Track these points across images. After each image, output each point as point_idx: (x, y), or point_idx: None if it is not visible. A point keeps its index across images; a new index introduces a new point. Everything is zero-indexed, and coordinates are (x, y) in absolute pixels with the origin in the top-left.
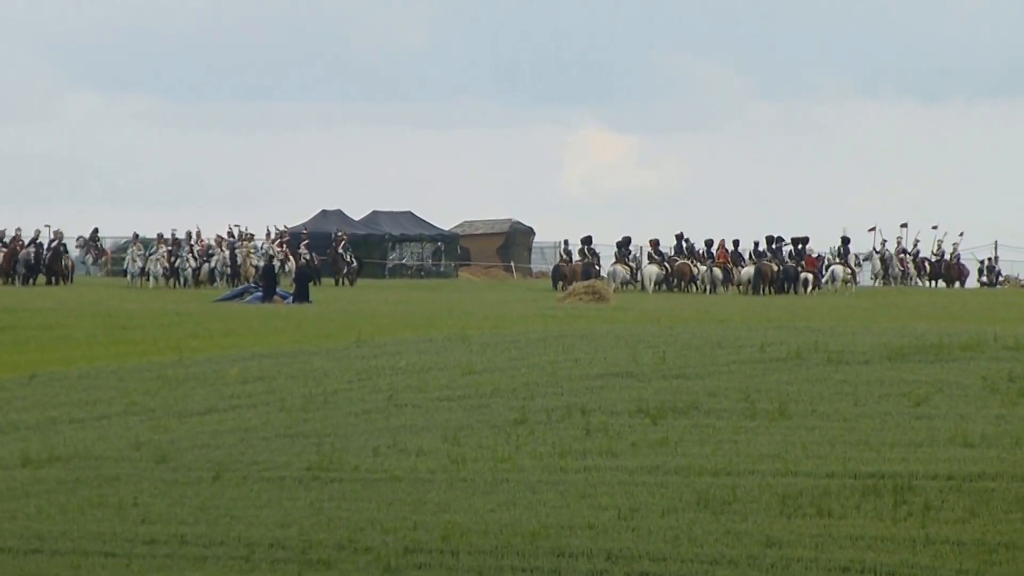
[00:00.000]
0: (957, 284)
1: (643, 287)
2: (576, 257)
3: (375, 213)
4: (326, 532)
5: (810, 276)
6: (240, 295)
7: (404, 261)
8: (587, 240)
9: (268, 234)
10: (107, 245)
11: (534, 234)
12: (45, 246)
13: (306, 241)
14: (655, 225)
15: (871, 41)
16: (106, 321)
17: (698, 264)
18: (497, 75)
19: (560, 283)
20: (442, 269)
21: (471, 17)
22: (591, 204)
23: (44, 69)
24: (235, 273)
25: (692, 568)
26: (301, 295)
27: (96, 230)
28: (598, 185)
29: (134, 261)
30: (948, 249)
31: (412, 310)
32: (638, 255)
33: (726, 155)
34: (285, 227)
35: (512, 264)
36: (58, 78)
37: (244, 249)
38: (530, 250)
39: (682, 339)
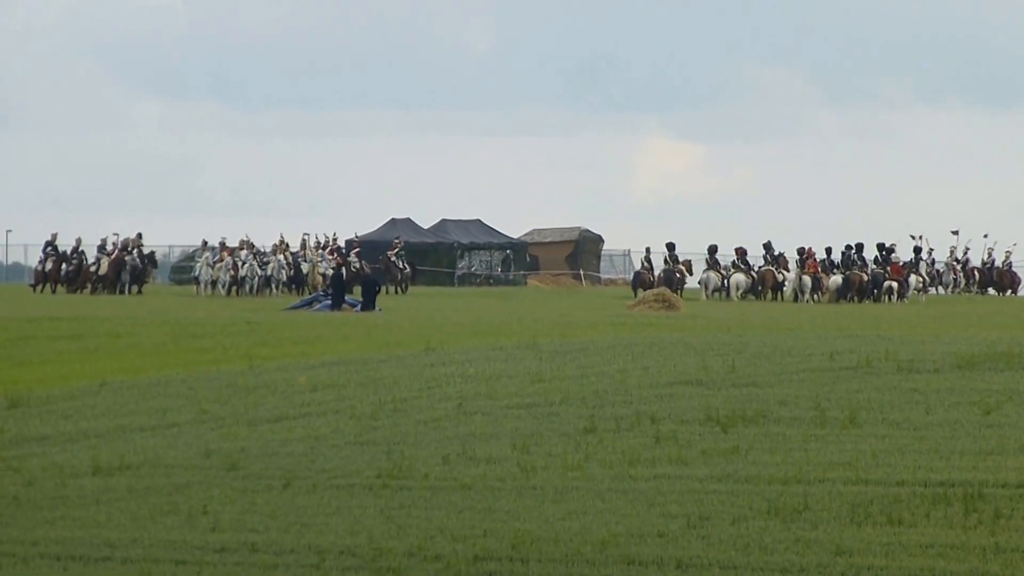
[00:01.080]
0: (1009, 292)
1: (728, 295)
2: (661, 264)
3: (444, 221)
4: (396, 540)
5: (895, 284)
6: (309, 304)
7: (473, 269)
8: (671, 247)
9: (304, 242)
10: (175, 255)
11: (603, 242)
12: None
13: (356, 249)
14: (722, 233)
15: (938, 48)
16: (175, 330)
17: (784, 272)
18: (564, 82)
19: (640, 290)
20: (511, 277)
21: (538, 24)
22: (658, 212)
23: (111, 77)
24: (298, 281)
25: None
26: (368, 303)
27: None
28: (665, 193)
29: (206, 268)
30: (1000, 257)
31: (481, 318)
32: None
33: (793, 163)
34: (334, 235)
35: (581, 272)
36: (125, 86)
37: (313, 258)
38: (599, 258)
39: (751, 347)
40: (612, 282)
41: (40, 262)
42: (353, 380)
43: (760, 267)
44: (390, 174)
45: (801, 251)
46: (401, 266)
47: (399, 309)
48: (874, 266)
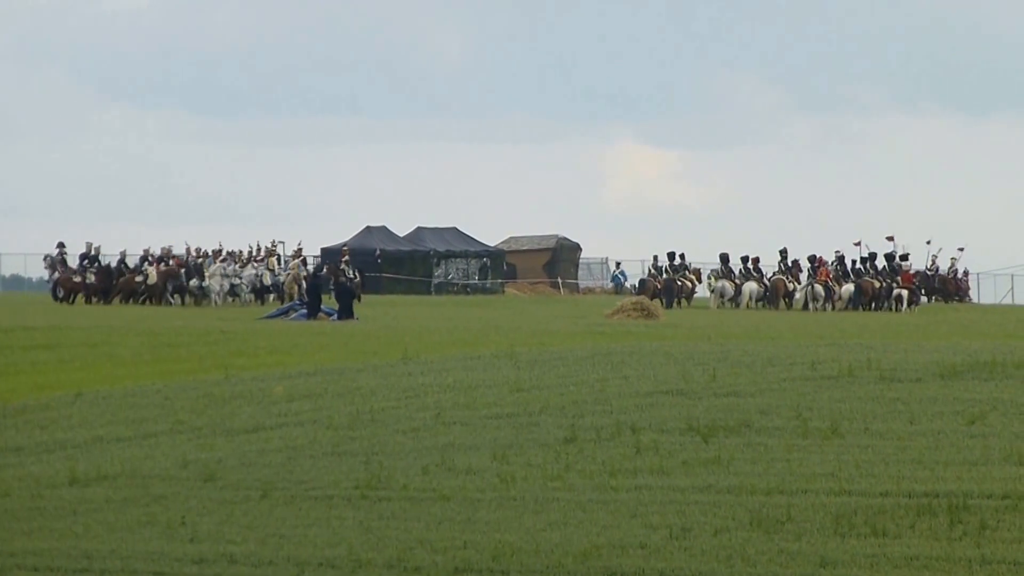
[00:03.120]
0: (955, 300)
1: (737, 303)
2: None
3: (420, 229)
4: (375, 551)
5: (905, 293)
6: (285, 313)
7: (450, 277)
8: (671, 256)
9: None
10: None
11: (581, 250)
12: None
13: (346, 257)
14: (699, 240)
15: (914, 54)
16: (151, 339)
17: (795, 281)
18: (538, 90)
19: (667, 298)
20: (488, 285)
21: (513, 31)
22: (634, 220)
23: (79, 83)
24: (265, 290)
25: None
26: (344, 312)
27: (62, 245)
28: (638, 201)
29: (218, 279)
30: (945, 264)
31: (458, 327)
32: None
33: (768, 170)
34: (298, 244)
35: (559, 280)
36: (93, 92)
37: (292, 267)
38: (577, 266)
39: (732, 356)
40: (590, 290)
41: (77, 271)
42: (330, 390)
43: (772, 275)
44: (365, 182)
45: (812, 259)
46: (351, 275)
47: (376, 318)
48: (883, 275)
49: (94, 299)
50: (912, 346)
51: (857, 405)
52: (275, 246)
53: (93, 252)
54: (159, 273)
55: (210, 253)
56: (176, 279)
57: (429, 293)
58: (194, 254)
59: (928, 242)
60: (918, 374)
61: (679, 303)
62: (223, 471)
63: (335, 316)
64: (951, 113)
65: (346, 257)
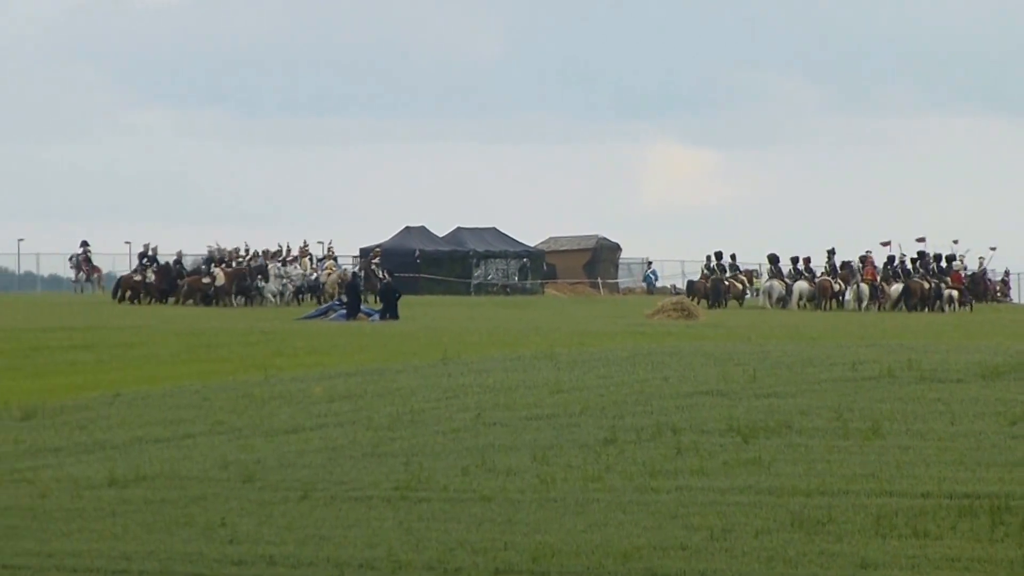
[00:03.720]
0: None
1: (783, 304)
2: (722, 272)
3: (459, 230)
4: (415, 553)
5: (955, 293)
6: (324, 313)
7: (489, 278)
8: (718, 255)
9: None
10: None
11: (620, 250)
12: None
13: (376, 259)
14: (736, 241)
15: (951, 54)
16: (189, 340)
17: (843, 281)
18: (576, 89)
19: (695, 298)
20: (528, 286)
21: (551, 31)
22: (670, 219)
23: (105, 84)
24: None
25: None
26: (388, 312)
27: (86, 243)
28: (676, 200)
29: (275, 280)
30: (974, 264)
31: (498, 327)
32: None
33: (804, 169)
34: (329, 244)
35: (599, 280)
36: (120, 93)
37: (328, 267)
38: (617, 266)
39: (772, 357)
40: (630, 291)
41: (137, 271)
42: (370, 390)
43: (819, 276)
44: (404, 182)
45: (863, 259)
46: (381, 275)
47: (415, 319)
48: (933, 275)
49: (153, 299)
50: (953, 347)
51: (898, 406)
52: (307, 247)
53: (151, 252)
54: (227, 274)
55: (260, 254)
56: (244, 280)
57: (468, 294)
58: (249, 255)
59: (955, 242)
60: (959, 375)
61: (724, 303)
62: (262, 472)
63: (375, 317)
64: (988, 113)
65: (377, 258)
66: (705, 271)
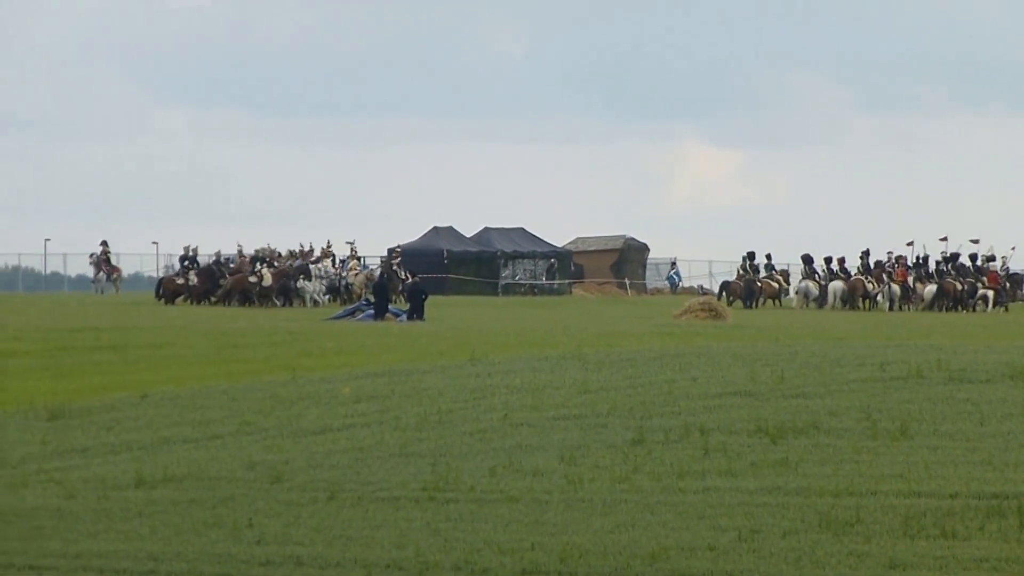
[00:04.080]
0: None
1: (819, 304)
2: (762, 272)
3: (487, 230)
4: (443, 553)
5: (990, 293)
6: (352, 313)
7: (517, 278)
8: (750, 256)
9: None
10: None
11: (648, 250)
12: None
13: (398, 259)
14: (763, 241)
15: (978, 53)
16: (216, 340)
17: (876, 282)
18: (603, 89)
19: (729, 298)
20: (555, 286)
21: (576, 30)
22: (697, 219)
23: (140, 84)
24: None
25: None
26: (415, 312)
27: (105, 243)
28: (703, 201)
29: (317, 281)
30: (997, 264)
31: (526, 327)
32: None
33: (832, 170)
34: (352, 244)
35: (626, 281)
36: (148, 93)
37: (352, 267)
38: (644, 266)
39: (800, 357)
40: (658, 291)
41: (179, 273)
42: (397, 391)
43: (852, 276)
44: (432, 182)
45: (897, 259)
46: (403, 275)
47: (443, 319)
48: (968, 275)
49: (193, 301)
50: (982, 347)
51: (926, 406)
52: (330, 247)
53: (191, 254)
54: (274, 274)
55: (296, 254)
56: (290, 280)
57: (496, 294)
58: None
59: (975, 241)
60: (988, 375)
61: (757, 303)
62: (290, 472)
63: (402, 317)
64: (1017, 114)
65: (398, 259)
66: (740, 271)
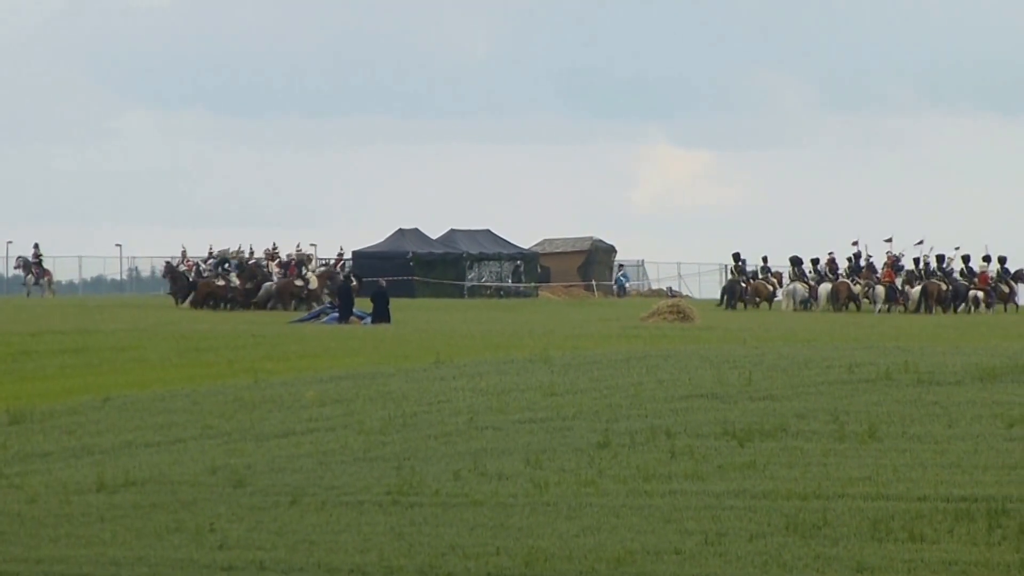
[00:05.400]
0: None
1: (805, 306)
2: (760, 275)
3: (452, 231)
4: (407, 558)
5: (981, 294)
6: (316, 316)
7: (483, 280)
8: (736, 256)
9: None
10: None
11: (615, 252)
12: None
13: (342, 266)
14: (731, 242)
15: (947, 52)
16: (179, 343)
17: (861, 283)
18: (570, 89)
19: (726, 299)
20: (522, 288)
21: (542, 30)
22: (664, 221)
23: (96, 86)
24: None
25: None
26: (380, 315)
27: (37, 246)
28: (671, 202)
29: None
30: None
31: (492, 330)
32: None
33: (799, 170)
34: (296, 246)
35: (593, 282)
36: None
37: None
38: (611, 268)
39: (768, 359)
40: (626, 293)
41: (219, 275)
42: (361, 394)
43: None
44: (397, 184)
45: (895, 258)
46: (351, 279)
47: (408, 322)
48: (959, 277)
49: (237, 305)
50: (950, 349)
51: (895, 408)
52: (275, 249)
53: (231, 256)
54: (319, 277)
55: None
56: (335, 282)
57: (462, 296)
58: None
59: (919, 242)
60: (956, 377)
61: (746, 304)
62: (252, 477)
63: (367, 320)
64: (984, 112)
65: (342, 263)
66: (733, 272)
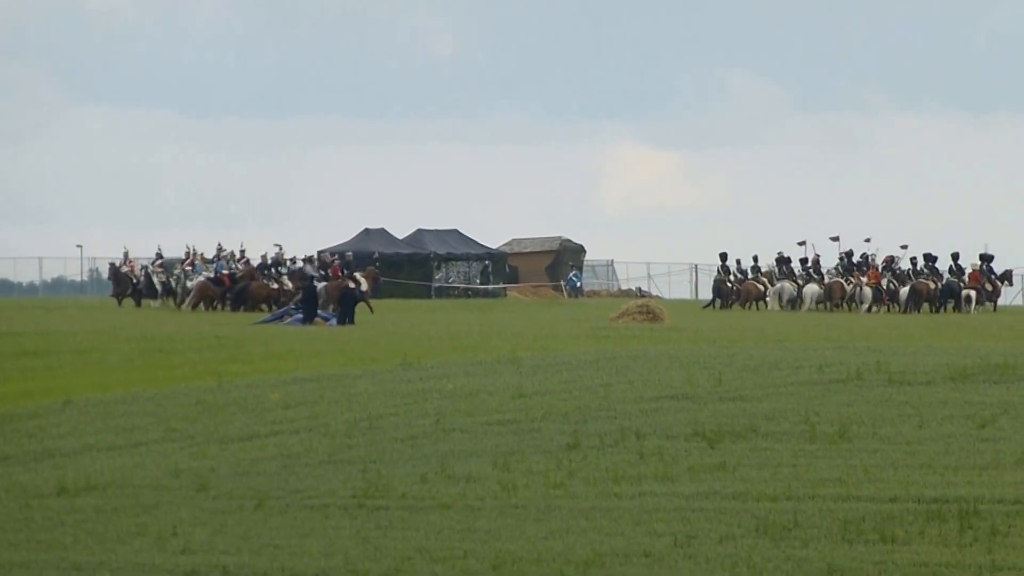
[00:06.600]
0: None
1: (792, 305)
2: (750, 275)
3: (420, 231)
4: (373, 562)
5: (973, 293)
6: (280, 318)
7: (450, 281)
8: (723, 256)
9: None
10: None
11: (585, 252)
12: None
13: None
14: (699, 242)
15: (914, 53)
16: (141, 345)
17: (852, 282)
18: (537, 89)
19: (717, 301)
20: (490, 289)
21: (510, 29)
22: (634, 221)
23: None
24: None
25: None
26: (346, 316)
27: None
28: (640, 202)
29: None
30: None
31: (459, 331)
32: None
33: (767, 170)
34: (241, 246)
35: (562, 283)
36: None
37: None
38: (581, 268)
39: (739, 360)
40: (595, 293)
41: (273, 278)
42: (327, 397)
43: (832, 277)
44: (363, 184)
45: (890, 259)
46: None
47: (374, 323)
48: (949, 275)
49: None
50: (922, 348)
51: (865, 409)
52: (221, 249)
53: (283, 257)
54: (367, 277)
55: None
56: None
57: (429, 297)
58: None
59: (867, 240)
60: (928, 377)
61: (731, 305)
62: (216, 480)
63: (332, 321)
64: (953, 113)
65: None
66: (720, 271)
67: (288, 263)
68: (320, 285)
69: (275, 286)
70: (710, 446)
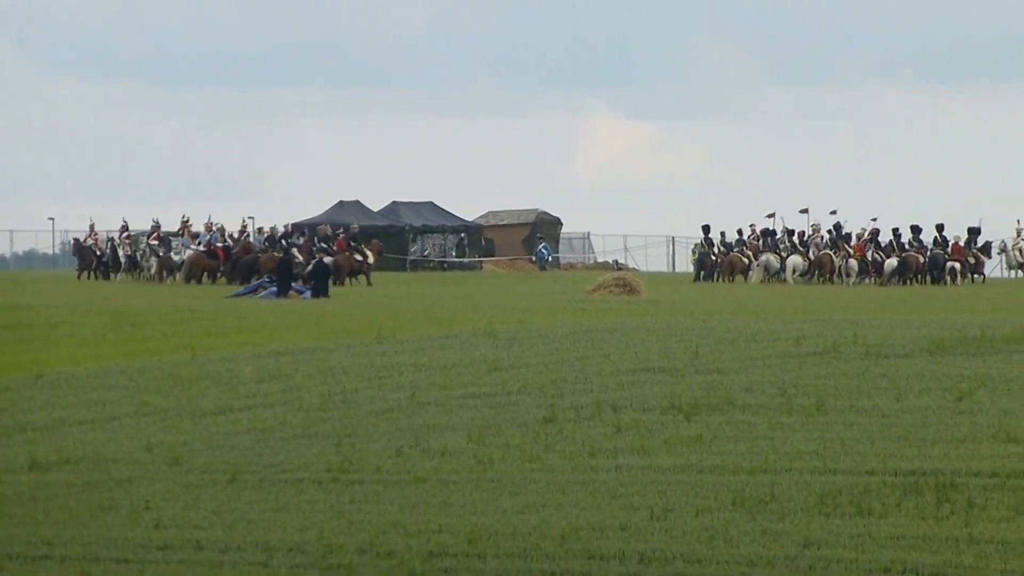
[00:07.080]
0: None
1: (775, 277)
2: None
3: (395, 204)
4: (347, 536)
5: (957, 265)
6: (254, 291)
7: (426, 254)
8: (706, 229)
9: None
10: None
11: (561, 224)
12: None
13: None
14: (676, 214)
15: (890, 22)
16: (114, 318)
17: (840, 253)
18: (512, 60)
19: (702, 274)
20: (465, 262)
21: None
22: (610, 192)
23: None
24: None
25: (728, 570)
26: (319, 289)
27: None
28: (616, 173)
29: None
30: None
31: (435, 304)
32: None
33: (745, 141)
34: (184, 218)
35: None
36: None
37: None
38: (558, 241)
39: (716, 333)
40: (571, 266)
41: (286, 252)
42: (301, 370)
43: (821, 249)
44: (338, 155)
45: (876, 232)
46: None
47: (349, 296)
48: (934, 248)
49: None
50: (899, 321)
51: (842, 381)
52: (187, 221)
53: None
54: (373, 250)
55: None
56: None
57: (404, 270)
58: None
59: (833, 212)
60: (905, 349)
61: (714, 278)
62: (189, 454)
63: (306, 294)
64: (929, 83)
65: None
66: (703, 245)
67: (296, 236)
68: (328, 259)
69: (299, 259)
70: (686, 419)
